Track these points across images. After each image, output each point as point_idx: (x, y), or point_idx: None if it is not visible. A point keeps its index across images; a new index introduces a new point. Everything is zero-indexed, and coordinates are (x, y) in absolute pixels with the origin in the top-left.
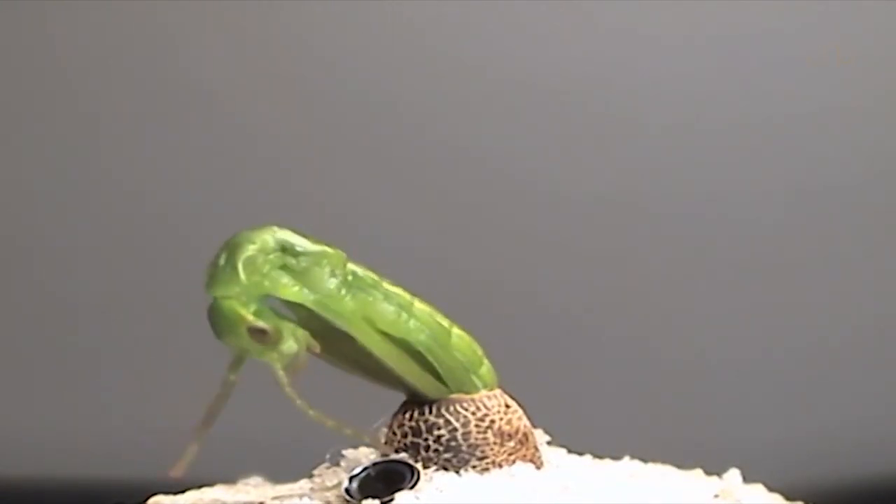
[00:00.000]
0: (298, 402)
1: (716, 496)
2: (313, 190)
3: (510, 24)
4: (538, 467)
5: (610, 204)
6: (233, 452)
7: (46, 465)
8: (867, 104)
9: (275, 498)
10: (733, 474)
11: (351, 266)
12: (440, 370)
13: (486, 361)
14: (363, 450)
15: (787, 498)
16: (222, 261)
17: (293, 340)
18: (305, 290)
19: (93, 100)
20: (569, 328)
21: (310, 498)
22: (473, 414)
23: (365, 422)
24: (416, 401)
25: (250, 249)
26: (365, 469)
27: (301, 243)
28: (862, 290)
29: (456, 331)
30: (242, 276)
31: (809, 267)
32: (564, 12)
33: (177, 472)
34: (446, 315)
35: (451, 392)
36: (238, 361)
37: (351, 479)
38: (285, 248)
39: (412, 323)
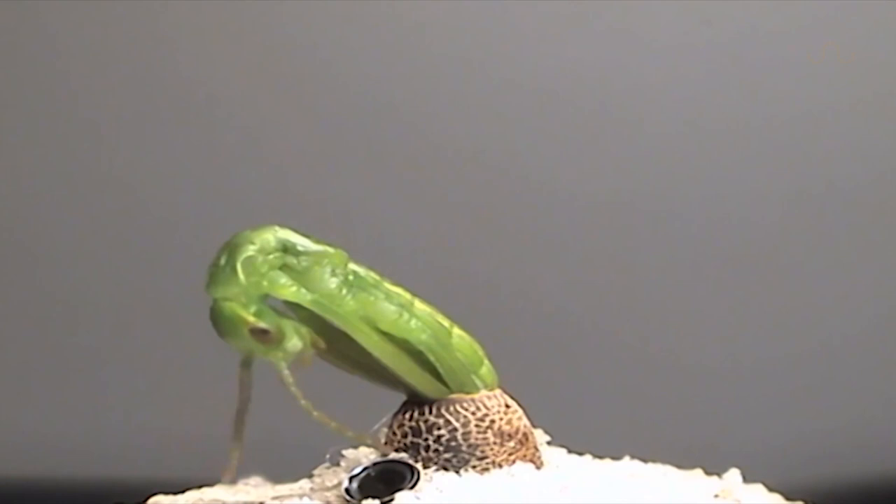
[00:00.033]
0: (303, 401)
1: (716, 496)
2: (313, 190)
3: (510, 24)
4: (538, 467)
5: (610, 204)
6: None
7: (46, 465)
8: (867, 104)
9: (275, 498)
10: (733, 474)
11: (352, 266)
12: (441, 370)
13: (486, 361)
14: (363, 450)
15: (787, 498)
16: (222, 261)
17: (297, 338)
18: (303, 290)
19: (94, 100)
20: (569, 328)
21: (310, 498)
22: (473, 414)
23: (365, 422)
24: (416, 401)
25: (250, 250)
26: (365, 469)
27: (302, 243)
28: (862, 290)
29: (456, 331)
30: (241, 276)
31: (809, 267)
32: (565, 13)
33: (227, 478)
34: (446, 315)
35: (452, 392)
36: (247, 361)
37: (351, 479)
38: (287, 248)
39: (414, 322)
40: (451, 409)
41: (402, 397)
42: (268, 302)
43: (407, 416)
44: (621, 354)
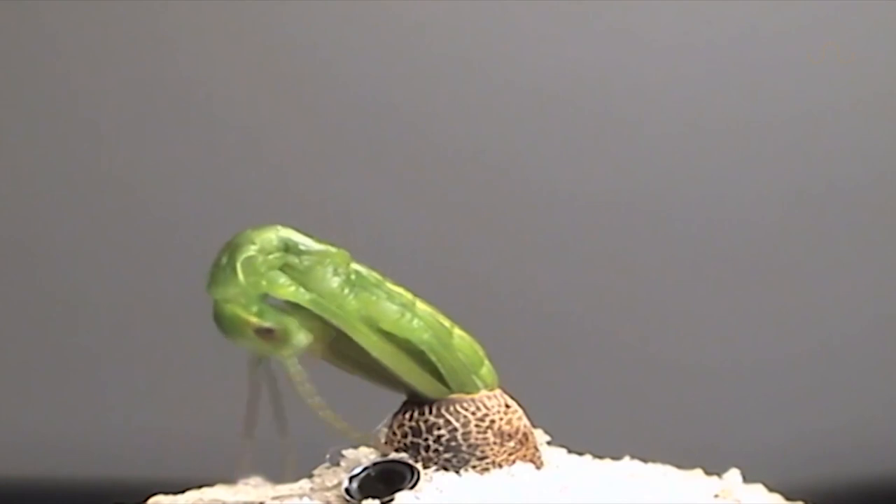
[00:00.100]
0: (312, 399)
1: (716, 496)
2: (314, 190)
3: (510, 24)
4: (538, 467)
5: (610, 204)
6: (233, 452)
7: (46, 465)
8: (867, 104)
9: (275, 498)
10: (733, 474)
11: (354, 265)
12: (442, 370)
13: (486, 362)
14: (363, 450)
15: (787, 498)
16: (223, 261)
17: (303, 333)
18: (302, 290)
19: (94, 100)
20: (569, 329)
21: (310, 498)
22: (473, 414)
23: (365, 422)
24: (416, 401)
25: (251, 250)
26: (365, 469)
27: (305, 242)
28: (862, 290)
29: (457, 331)
30: (241, 276)
31: (809, 267)
32: (564, 13)
33: (239, 476)
34: (447, 315)
35: (452, 392)
36: (256, 361)
37: (351, 479)
38: (289, 247)
39: (416, 322)
40: (451, 409)
41: (402, 397)
42: (271, 301)
43: (407, 416)
44: (621, 354)
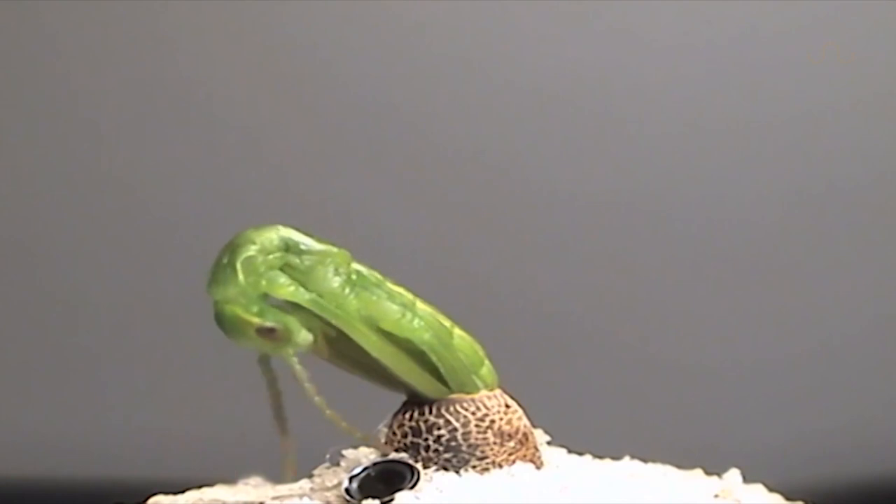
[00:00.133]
0: (317, 398)
1: (716, 496)
2: (313, 191)
3: (510, 24)
4: (538, 467)
5: (610, 204)
6: (233, 452)
7: (46, 465)
8: (867, 104)
9: (275, 498)
10: (733, 474)
11: (355, 265)
12: (443, 370)
13: (486, 362)
14: (363, 450)
15: (787, 498)
16: (224, 261)
17: (306, 331)
18: (301, 290)
19: (94, 100)
20: (569, 328)
21: (310, 498)
22: (473, 414)
23: (365, 422)
24: (416, 401)
25: (251, 250)
26: (365, 469)
27: (306, 242)
28: (862, 290)
29: (457, 331)
30: (241, 276)
31: (809, 267)
32: (564, 13)
33: (288, 475)
34: (446, 315)
35: (452, 392)
36: (265, 359)
37: (351, 479)
38: (290, 247)
39: (416, 322)
40: (451, 409)
41: (402, 397)
42: (272, 301)
43: (407, 416)
44: (621, 354)
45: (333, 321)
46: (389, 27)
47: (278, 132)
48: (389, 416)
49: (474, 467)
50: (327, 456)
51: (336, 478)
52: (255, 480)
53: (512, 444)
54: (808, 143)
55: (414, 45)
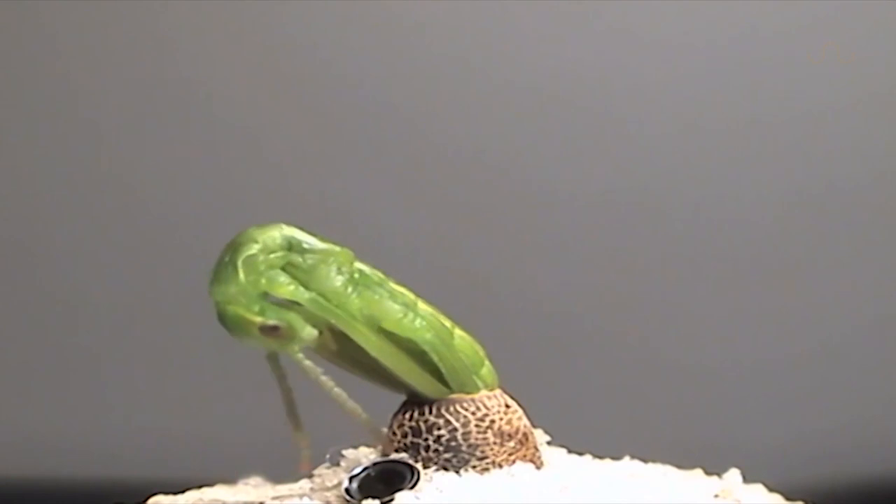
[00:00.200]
0: (335, 391)
1: (716, 496)
2: (313, 190)
3: (510, 24)
4: (538, 467)
5: (610, 203)
6: (233, 452)
7: (46, 465)
8: (867, 104)
9: (275, 498)
10: (733, 474)
11: (358, 264)
12: (444, 370)
13: (487, 362)
14: (363, 450)
15: (787, 498)
16: (226, 259)
17: (310, 326)
18: (301, 289)
19: (94, 100)
20: (569, 328)
21: (310, 498)
22: (473, 414)
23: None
24: (416, 401)
25: (253, 248)
26: (365, 469)
27: (308, 241)
28: (862, 290)
29: (458, 332)
30: (241, 275)
31: (809, 267)
32: (564, 13)
33: (304, 469)
34: (447, 315)
35: (452, 392)
36: (273, 357)
37: (351, 479)
38: (292, 246)
39: (418, 322)
40: (451, 409)
41: (402, 397)
42: (274, 298)
43: (407, 416)
44: (621, 354)
45: (333, 320)
46: (389, 27)
47: (280, 131)
48: (389, 416)
49: (474, 467)
50: (327, 456)
51: (336, 478)
52: (255, 480)
53: (512, 444)
54: (808, 143)
55: (414, 45)
